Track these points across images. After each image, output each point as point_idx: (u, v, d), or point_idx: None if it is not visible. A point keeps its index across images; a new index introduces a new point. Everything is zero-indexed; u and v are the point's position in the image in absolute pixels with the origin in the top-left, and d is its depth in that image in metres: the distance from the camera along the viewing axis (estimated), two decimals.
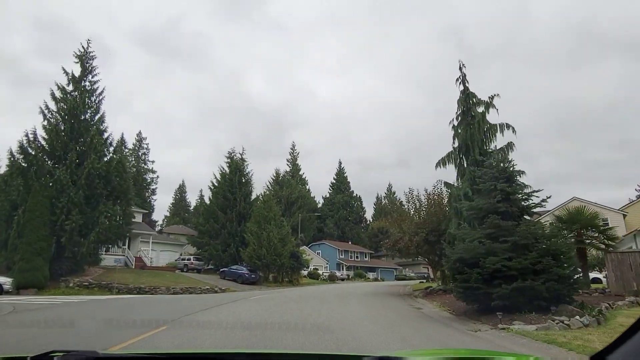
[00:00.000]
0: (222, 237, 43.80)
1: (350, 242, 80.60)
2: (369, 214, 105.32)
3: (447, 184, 25.24)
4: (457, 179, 23.35)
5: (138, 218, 45.34)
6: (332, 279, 50.34)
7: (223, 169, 48.10)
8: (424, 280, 49.29)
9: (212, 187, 47.63)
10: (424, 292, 24.74)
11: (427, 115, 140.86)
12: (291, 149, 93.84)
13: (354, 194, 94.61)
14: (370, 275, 69.20)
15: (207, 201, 48.88)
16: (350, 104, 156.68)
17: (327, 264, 67.54)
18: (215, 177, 47.88)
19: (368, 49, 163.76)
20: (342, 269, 68.63)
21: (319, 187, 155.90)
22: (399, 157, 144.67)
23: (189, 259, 44.98)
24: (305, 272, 49.17)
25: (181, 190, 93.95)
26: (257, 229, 39.58)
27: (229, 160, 48.56)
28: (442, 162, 23.83)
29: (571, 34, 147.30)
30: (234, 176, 46.86)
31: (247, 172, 48.53)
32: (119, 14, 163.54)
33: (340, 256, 70.38)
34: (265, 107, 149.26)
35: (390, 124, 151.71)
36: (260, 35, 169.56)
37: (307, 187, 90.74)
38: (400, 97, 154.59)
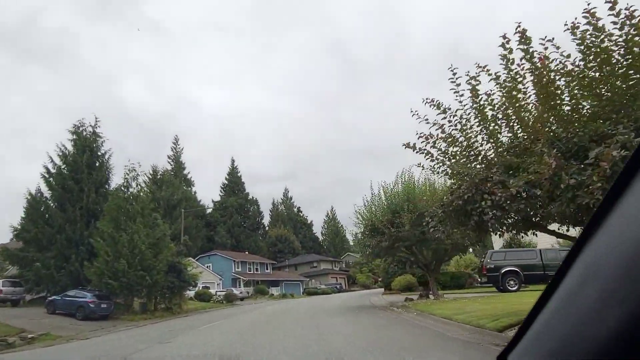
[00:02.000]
0: (58, 247, 28.29)
1: (247, 252, 67.47)
2: (266, 220, 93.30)
3: None
4: None
5: None
6: (229, 299, 37.03)
7: (64, 148, 32.33)
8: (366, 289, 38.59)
9: (47, 175, 31.48)
10: None
11: (315, 128, 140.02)
12: (174, 142, 77.80)
13: (250, 197, 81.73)
14: (274, 290, 56.88)
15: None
16: (236, 115, 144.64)
17: (220, 280, 53.65)
18: (52, 160, 31.84)
19: (255, 60, 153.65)
20: (240, 284, 55.30)
21: (206, 201, 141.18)
22: (287, 169, 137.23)
23: None
24: (191, 293, 35.31)
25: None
26: (113, 229, 25.19)
27: (74, 136, 32.86)
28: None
29: (442, 54, 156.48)
30: (81, 157, 31.48)
31: (101, 152, 33.39)
32: None
33: (237, 269, 57.02)
34: (144, 116, 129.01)
35: (279, 136, 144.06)
36: (137, 37, 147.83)
37: (194, 190, 75.54)
38: (287, 109, 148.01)
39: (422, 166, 9.66)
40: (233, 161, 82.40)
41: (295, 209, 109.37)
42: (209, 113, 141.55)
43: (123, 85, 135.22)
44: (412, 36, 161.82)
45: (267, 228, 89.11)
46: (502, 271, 22.76)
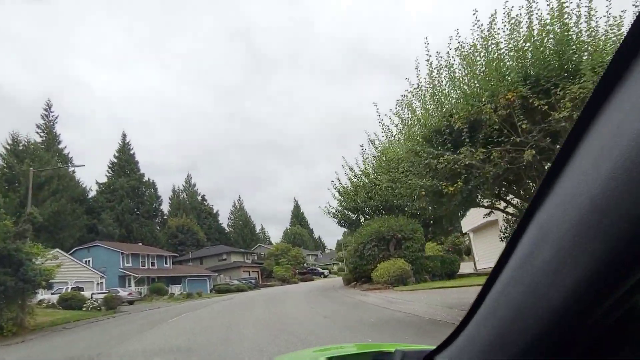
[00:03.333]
0: None
1: (141, 244, 55.25)
2: (166, 209, 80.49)
3: None
4: None
5: None
6: (111, 305, 25.99)
7: None
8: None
9: None
10: None
11: (218, 119, 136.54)
12: (45, 109, 61.89)
13: (146, 178, 68.57)
14: (175, 288, 46.01)
15: None
16: (131, 101, 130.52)
17: (102, 278, 41.54)
18: None
19: (153, 43, 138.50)
20: (130, 283, 43.63)
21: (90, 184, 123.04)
22: (188, 161, 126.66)
23: None
24: (47, 297, 23.97)
25: None
26: None
27: None
28: None
29: (347, 51, 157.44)
30: None
31: None
32: None
33: (126, 264, 45.14)
34: (21, 97, 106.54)
35: (178, 125, 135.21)
36: (12, 6, 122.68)
37: (72, 171, 60.63)
38: (188, 98, 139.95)
39: None
40: (124, 136, 68.42)
41: (199, 197, 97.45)
42: (100, 97, 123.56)
43: None
44: (317, 30, 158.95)
45: (166, 217, 76.54)
46: None
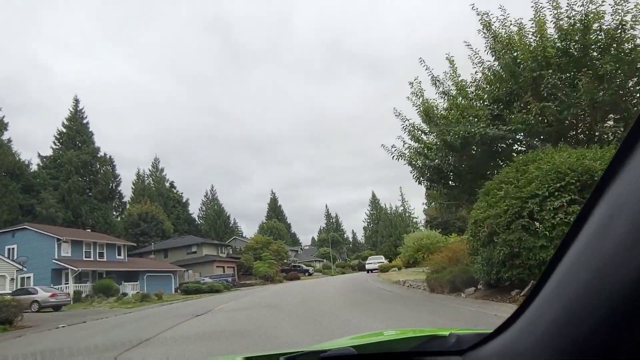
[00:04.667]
0: None
1: (89, 230, 44.26)
2: (126, 191, 69.13)
3: None
4: None
5: None
6: (8, 318, 15.46)
7: None
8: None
9: None
10: None
11: (190, 111, 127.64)
12: None
13: (101, 153, 57.04)
14: (129, 287, 35.53)
15: None
16: (99, 91, 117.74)
17: (20, 272, 30.60)
18: None
19: (123, 30, 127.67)
20: (67, 278, 32.90)
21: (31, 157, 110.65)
22: (157, 154, 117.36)
23: None
24: None
25: None
26: None
27: None
28: None
29: (325, 48, 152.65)
30: None
31: None
32: None
33: (64, 253, 34.26)
34: None
35: (147, 116, 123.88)
36: None
37: (8, 139, 48.94)
38: (159, 89, 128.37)
39: None
40: (77, 102, 56.57)
41: (168, 184, 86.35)
42: (64, 83, 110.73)
43: None
44: (296, 25, 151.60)
45: (125, 201, 65.41)
46: None
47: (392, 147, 13.14)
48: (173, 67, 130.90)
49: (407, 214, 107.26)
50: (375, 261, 38.63)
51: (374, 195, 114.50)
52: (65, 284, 32.46)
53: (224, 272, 51.55)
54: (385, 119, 41.25)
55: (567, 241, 0.74)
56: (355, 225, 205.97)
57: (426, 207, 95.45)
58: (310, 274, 64.25)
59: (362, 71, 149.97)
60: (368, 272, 37.44)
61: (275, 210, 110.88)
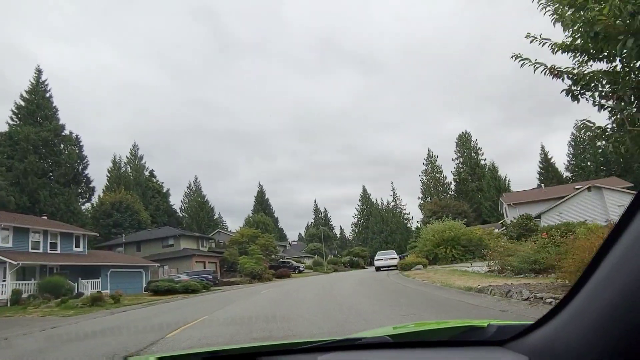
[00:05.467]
0: None
1: (46, 217, 37.56)
2: (97, 176, 62.31)
3: None
4: None
5: None
6: None
7: None
8: None
9: None
10: None
11: (172, 102, 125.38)
12: None
13: (66, 131, 50.03)
14: (88, 285, 29.13)
15: None
16: (82, 79, 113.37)
17: None
18: None
19: (108, 17, 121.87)
20: (4, 274, 26.36)
21: None
22: (141, 146, 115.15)
23: None
24: None
25: None
26: None
27: None
28: None
29: (315, 42, 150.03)
30: None
31: None
32: None
33: (3, 243, 27.67)
34: None
35: (131, 107, 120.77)
36: None
37: None
38: (144, 79, 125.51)
39: None
40: (39, 72, 49.50)
41: (147, 172, 79.52)
42: (46, 72, 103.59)
43: None
44: (285, 17, 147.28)
45: (92, 186, 58.51)
46: None
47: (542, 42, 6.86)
48: (159, 56, 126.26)
49: (398, 210, 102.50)
50: (387, 257, 32.13)
51: (364, 190, 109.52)
52: (3, 281, 25.99)
53: (204, 267, 45.36)
54: (374, 115, 36.00)
55: (612, 237, 0.71)
56: (342, 221, 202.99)
57: (422, 202, 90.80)
58: (300, 271, 58.49)
59: (352, 68, 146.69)
60: (377, 270, 31.48)
61: (262, 203, 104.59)
